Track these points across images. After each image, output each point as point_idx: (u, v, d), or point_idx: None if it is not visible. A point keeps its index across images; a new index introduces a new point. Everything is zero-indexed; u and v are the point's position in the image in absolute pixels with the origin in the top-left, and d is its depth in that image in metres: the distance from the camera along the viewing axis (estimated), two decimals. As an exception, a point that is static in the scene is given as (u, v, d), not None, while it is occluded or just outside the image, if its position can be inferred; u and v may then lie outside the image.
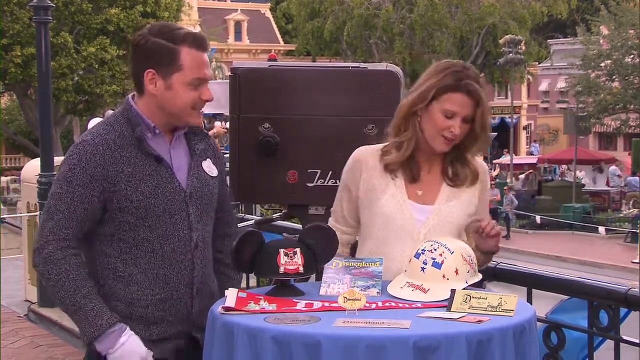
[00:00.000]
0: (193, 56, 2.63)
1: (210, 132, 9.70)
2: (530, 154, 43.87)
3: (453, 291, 2.45)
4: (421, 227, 2.79)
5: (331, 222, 2.95)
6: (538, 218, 26.72)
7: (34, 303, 7.41)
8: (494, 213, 22.58)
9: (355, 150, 2.93)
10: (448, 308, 2.41)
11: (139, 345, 2.59)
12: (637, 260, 18.43)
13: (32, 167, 8.31)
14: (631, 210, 27.14)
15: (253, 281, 4.76)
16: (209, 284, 2.76)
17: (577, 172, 30.32)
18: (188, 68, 2.62)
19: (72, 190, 2.60)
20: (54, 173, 7.24)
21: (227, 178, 3.26)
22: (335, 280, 2.65)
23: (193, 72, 2.63)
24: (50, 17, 7.56)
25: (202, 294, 2.71)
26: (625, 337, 3.13)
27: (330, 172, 3.23)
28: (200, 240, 2.72)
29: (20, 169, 20.03)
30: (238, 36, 47.38)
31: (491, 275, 3.38)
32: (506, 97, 47.56)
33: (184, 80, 2.63)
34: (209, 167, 2.79)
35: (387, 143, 2.89)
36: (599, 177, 32.54)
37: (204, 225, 2.74)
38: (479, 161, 2.94)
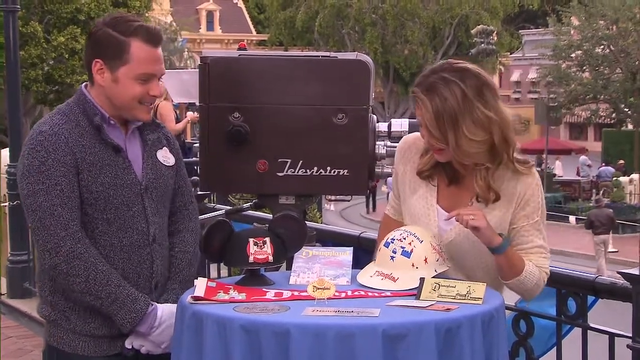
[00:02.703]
0: (143, 50, 2.59)
1: (191, 118, 9.54)
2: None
3: (422, 279, 2.46)
4: (444, 235, 2.67)
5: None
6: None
7: (4, 294, 7.35)
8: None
9: (405, 136, 2.82)
10: (417, 296, 2.42)
11: (172, 312, 2.57)
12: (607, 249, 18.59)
13: (1, 158, 8.23)
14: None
15: (224, 271, 4.76)
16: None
17: (556, 161, 30.47)
18: (136, 62, 2.58)
19: (56, 182, 2.54)
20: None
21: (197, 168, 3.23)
22: (305, 269, 2.65)
23: (141, 66, 2.59)
24: (19, 6, 7.50)
25: (162, 287, 2.69)
26: (592, 325, 3.15)
27: (301, 162, 3.21)
28: (157, 233, 2.69)
29: (-11, 159, 19.75)
30: (210, 26, 47.18)
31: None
32: (478, 88, 47.66)
33: (130, 74, 2.59)
34: (165, 157, 2.75)
35: None
36: (572, 167, 32.84)
37: (160, 217, 2.72)
38: (524, 180, 2.64)
